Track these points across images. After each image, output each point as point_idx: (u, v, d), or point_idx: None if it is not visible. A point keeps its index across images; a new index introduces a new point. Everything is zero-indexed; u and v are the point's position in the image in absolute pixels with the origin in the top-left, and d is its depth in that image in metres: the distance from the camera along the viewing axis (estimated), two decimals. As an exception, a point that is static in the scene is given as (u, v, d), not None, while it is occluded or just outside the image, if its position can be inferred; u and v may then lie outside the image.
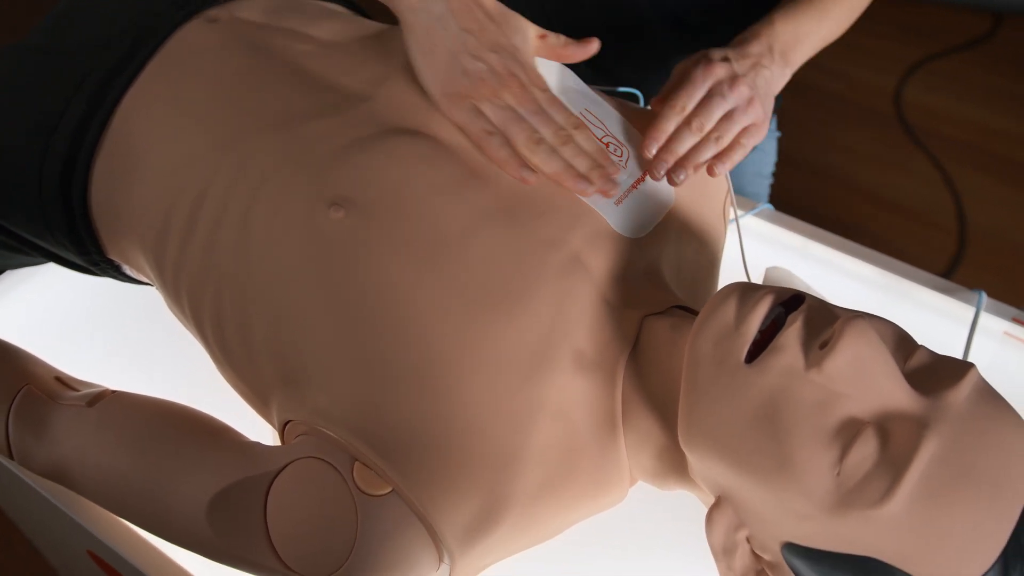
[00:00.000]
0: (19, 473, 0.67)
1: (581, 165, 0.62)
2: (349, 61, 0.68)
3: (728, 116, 0.67)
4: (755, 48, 0.72)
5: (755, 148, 1.20)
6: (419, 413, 0.54)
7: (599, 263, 0.61)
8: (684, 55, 0.73)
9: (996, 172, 2.16)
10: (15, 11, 2.55)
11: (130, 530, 0.65)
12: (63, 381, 0.68)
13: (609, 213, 0.63)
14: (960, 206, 2.06)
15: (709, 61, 0.68)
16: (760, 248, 0.92)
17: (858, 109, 2.34)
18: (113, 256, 0.71)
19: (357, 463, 0.54)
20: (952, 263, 1.94)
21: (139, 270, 0.71)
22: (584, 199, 0.63)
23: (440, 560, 0.56)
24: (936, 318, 0.85)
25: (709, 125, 0.66)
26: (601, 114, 0.68)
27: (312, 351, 0.57)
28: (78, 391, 0.66)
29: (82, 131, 0.67)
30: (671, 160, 0.65)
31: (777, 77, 0.73)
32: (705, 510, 0.69)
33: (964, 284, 0.86)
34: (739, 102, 0.67)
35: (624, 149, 0.66)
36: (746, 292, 0.53)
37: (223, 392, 0.68)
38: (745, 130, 0.69)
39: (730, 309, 0.53)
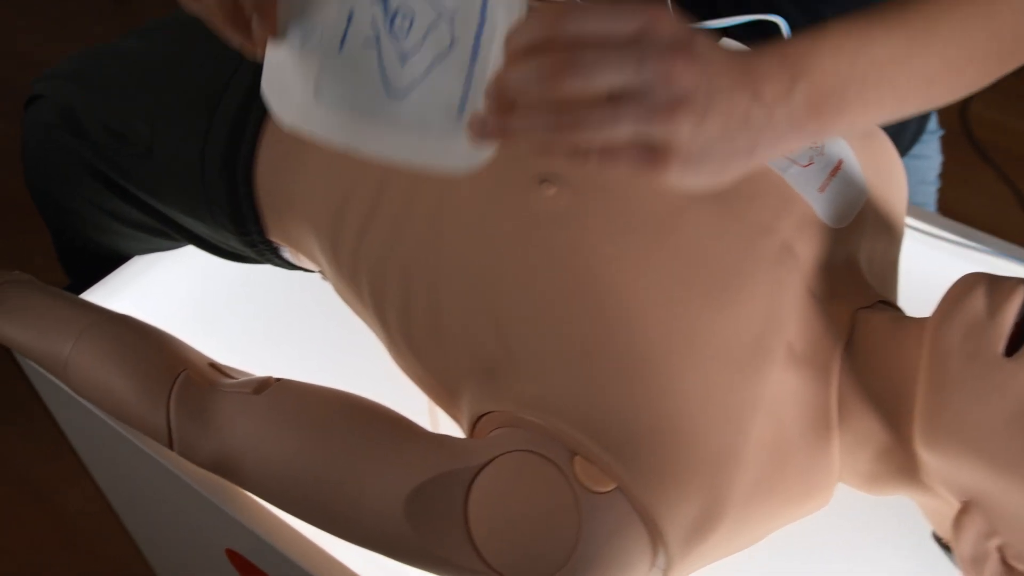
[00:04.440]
0: (167, 464, 0.64)
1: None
2: None
3: (621, 101, 0.38)
4: (764, 65, 0.42)
5: (916, 156, 1.08)
6: (641, 404, 0.50)
7: (807, 253, 0.58)
8: None
9: (1067, 189, 2.12)
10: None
11: (289, 526, 0.62)
12: (218, 368, 0.65)
13: (815, 199, 0.59)
14: (1032, 222, 2.03)
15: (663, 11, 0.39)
16: (918, 248, 0.88)
17: (923, 124, 2.31)
18: (274, 238, 0.68)
19: (577, 457, 0.50)
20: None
21: (306, 253, 0.67)
22: (791, 184, 0.59)
23: (652, 565, 0.52)
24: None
25: (572, 84, 0.38)
26: None
27: (520, 337, 0.53)
28: (235, 379, 0.63)
29: (246, 108, 0.64)
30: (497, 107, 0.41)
31: (782, 128, 0.42)
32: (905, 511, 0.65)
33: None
34: (657, 86, 0.38)
35: None
36: (994, 281, 0.50)
37: (373, 381, 0.64)
38: (643, 149, 0.40)
39: (979, 299, 0.49)
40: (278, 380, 0.61)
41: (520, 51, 0.39)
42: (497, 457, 0.51)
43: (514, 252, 0.54)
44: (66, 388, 0.68)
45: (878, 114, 0.45)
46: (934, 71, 0.46)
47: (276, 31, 0.50)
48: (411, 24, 0.48)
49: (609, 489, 0.50)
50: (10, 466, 1.47)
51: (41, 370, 0.69)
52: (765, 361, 0.54)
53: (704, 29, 0.41)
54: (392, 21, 0.49)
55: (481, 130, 0.40)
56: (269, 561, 0.64)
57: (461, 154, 0.46)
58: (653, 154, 0.40)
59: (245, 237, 0.68)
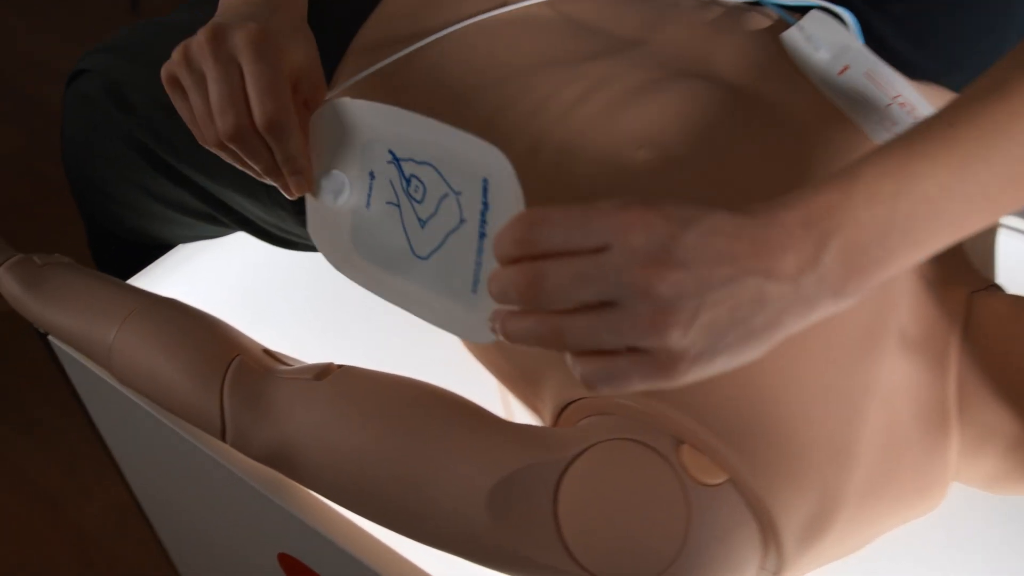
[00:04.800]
0: (217, 457, 0.59)
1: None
2: (612, 11, 0.61)
3: (601, 313, 0.36)
4: (782, 235, 0.37)
5: None
6: (753, 389, 0.46)
7: None
8: None
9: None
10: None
11: (354, 524, 0.57)
12: (272, 355, 0.60)
13: None
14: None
15: (646, 207, 0.36)
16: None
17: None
18: (335, 217, 0.64)
19: (684, 446, 0.46)
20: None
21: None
22: None
23: (761, 567, 0.48)
24: None
25: (549, 300, 0.37)
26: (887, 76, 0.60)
27: None
28: (291, 366, 0.58)
29: None
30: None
31: (812, 296, 0.37)
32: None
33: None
34: (635, 298, 0.35)
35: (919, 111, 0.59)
36: None
37: (430, 368, 0.59)
38: (628, 356, 0.37)
39: None
40: (340, 366, 0.56)
41: (503, 259, 0.38)
42: (591, 446, 0.47)
43: None
44: (106, 377, 0.64)
45: (932, 247, 0.39)
46: (996, 189, 0.38)
47: (312, 188, 0.53)
48: (424, 191, 0.48)
49: (720, 481, 0.45)
50: (23, 477, 1.43)
51: (79, 358, 0.65)
52: (877, 346, 0.49)
53: (693, 208, 0.37)
54: (408, 183, 0.48)
55: (492, 324, 0.40)
56: (330, 563, 0.59)
57: (477, 327, 0.45)
58: (654, 360, 0.36)
59: (303, 216, 0.64)
